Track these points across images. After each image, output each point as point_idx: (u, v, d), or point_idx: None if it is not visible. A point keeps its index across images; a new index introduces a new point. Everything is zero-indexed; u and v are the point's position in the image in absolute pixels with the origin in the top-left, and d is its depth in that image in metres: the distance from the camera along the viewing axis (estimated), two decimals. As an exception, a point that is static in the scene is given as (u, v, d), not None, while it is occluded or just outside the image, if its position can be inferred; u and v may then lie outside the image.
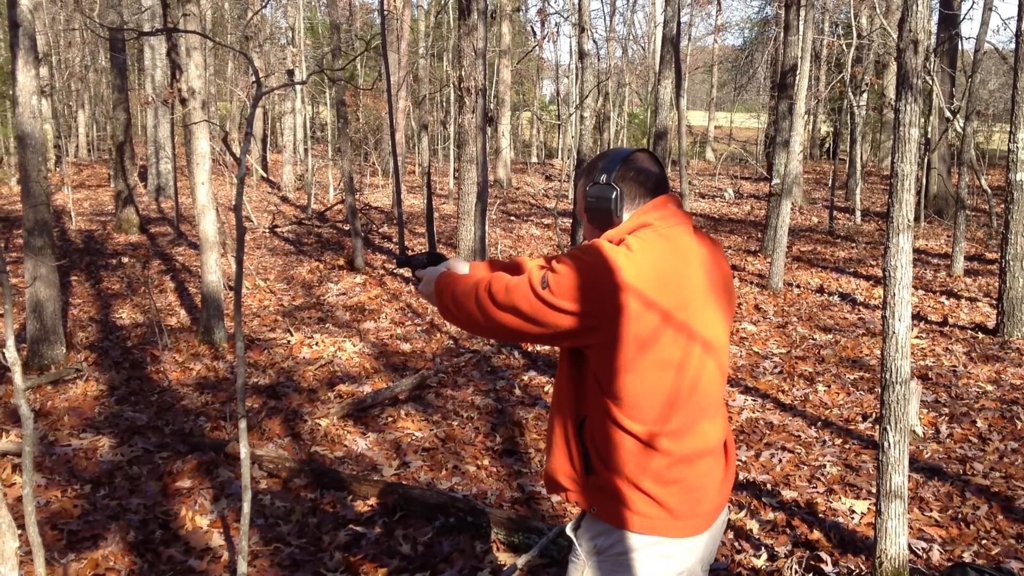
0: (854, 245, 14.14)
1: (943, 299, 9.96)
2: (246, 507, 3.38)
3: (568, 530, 2.28)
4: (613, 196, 2.16)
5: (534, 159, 32.51)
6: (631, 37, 32.29)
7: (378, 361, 7.54)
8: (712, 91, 33.54)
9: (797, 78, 10.97)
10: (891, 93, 28.67)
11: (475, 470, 5.28)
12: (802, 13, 12.43)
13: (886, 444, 3.41)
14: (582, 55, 6.57)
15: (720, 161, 28.19)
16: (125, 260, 11.88)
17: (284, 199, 20.00)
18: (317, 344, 7.96)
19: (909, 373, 3.38)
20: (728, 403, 6.44)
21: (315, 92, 25.83)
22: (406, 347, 8.00)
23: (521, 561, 3.93)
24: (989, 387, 6.67)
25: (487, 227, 8.26)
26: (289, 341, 8.02)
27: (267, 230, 15.18)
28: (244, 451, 3.42)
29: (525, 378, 7.11)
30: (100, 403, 6.33)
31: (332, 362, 7.46)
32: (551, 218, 17.57)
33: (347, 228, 15.49)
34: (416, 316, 9.11)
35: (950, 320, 8.88)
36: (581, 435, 2.14)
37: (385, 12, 12.02)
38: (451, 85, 19.37)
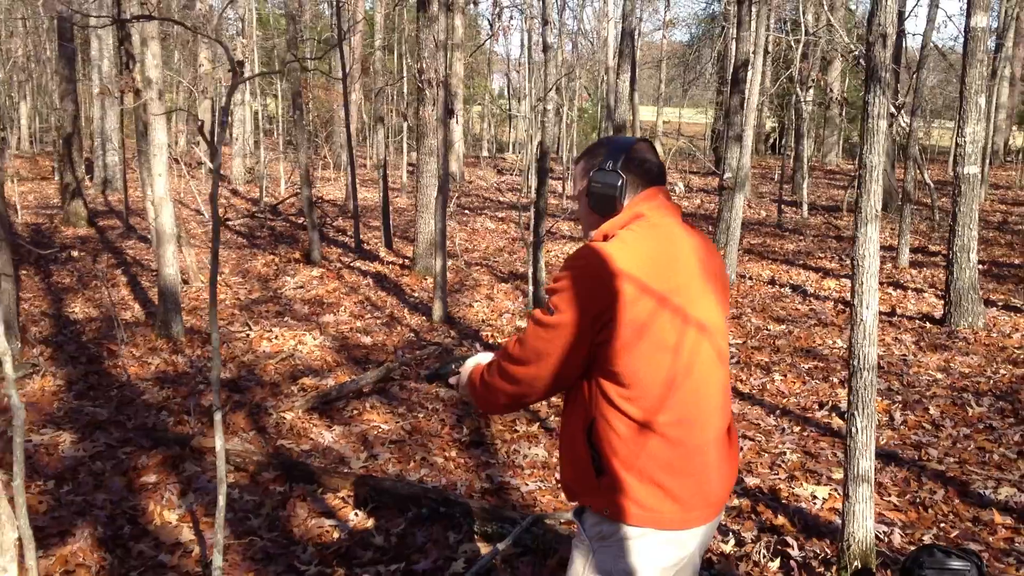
0: (802, 238, 14.41)
1: (890, 290, 10.19)
2: (221, 500, 3.38)
3: (572, 515, 2.31)
4: (619, 184, 2.20)
5: (485, 153, 32.53)
6: (580, 32, 32.40)
7: (339, 354, 7.52)
8: (661, 86, 33.77)
9: (750, 73, 11.14)
10: (836, 89, 29.22)
11: (443, 461, 5.31)
12: (754, 10, 12.61)
13: (854, 429, 3.51)
14: (546, 48, 6.63)
15: (669, 156, 28.45)
16: (75, 254, 11.68)
17: (234, 192, 19.78)
18: (277, 338, 7.92)
19: (876, 360, 3.49)
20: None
21: (264, 84, 25.53)
22: (367, 340, 7.99)
23: (500, 547, 3.97)
24: (939, 375, 6.86)
25: (435, 220, 8.28)
26: (248, 335, 7.96)
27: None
28: (219, 443, 3.42)
29: (488, 370, 7.15)
30: (59, 399, 6.24)
31: (293, 356, 7.43)
32: (505, 211, 17.63)
33: (300, 221, 15.39)
34: (376, 309, 9.10)
35: (898, 311, 9.10)
36: (590, 438, 2.15)
37: (340, 3, 12.01)
38: (406, 78, 19.32)
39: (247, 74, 20.38)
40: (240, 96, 20.30)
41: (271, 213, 16.41)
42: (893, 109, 14.57)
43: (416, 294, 9.84)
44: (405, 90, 21.23)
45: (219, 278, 10.47)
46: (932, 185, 15.92)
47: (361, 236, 13.07)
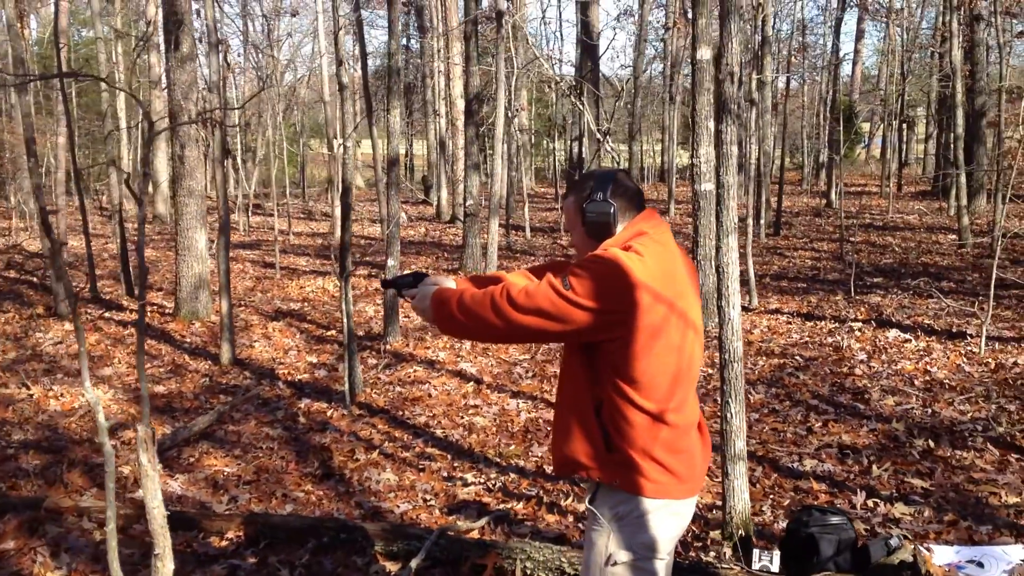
0: (534, 258, 15.42)
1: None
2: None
3: (586, 503, 2.64)
4: (611, 211, 2.54)
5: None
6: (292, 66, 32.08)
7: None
8: (356, 117, 34.33)
9: (491, 105, 11.89)
10: (524, 118, 31.11)
11: (304, 495, 5.41)
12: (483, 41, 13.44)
13: (728, 415, 4.14)
14: (341, 88, 6.87)
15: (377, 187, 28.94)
16: None
17: (-88, 247, 17.76)
18: (63, 395, 7.46)
19: (742, 352, 4.14)
20: (504, 407, 7.02)
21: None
22: (161, 389, 7.75)
23: (414, 563, 4.19)
24: (711, 371, 7.80)
25: (217, 261, 8.21)
26: (32, 395, 7.43)
27: (-83, 282, 13.51)
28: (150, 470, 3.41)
29: (302, 405, 7.23)
30: None
31: (92, 411, 7.06)
32: (234, 250, 17.29)
33: (11, 275, 14.26)
34: (153, 358, 8.76)
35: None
36: (600, 418, 2.48)
37: (57, 30, 11.32)
38: (124, 117, 18.15)
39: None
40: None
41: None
42: (599, 135, 15.99)
43: (188, 340, 9.57)
44: (126, 132, 19.98)
45: (-41, 340, 9.56)
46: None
47: (98, 285, 12.37)
